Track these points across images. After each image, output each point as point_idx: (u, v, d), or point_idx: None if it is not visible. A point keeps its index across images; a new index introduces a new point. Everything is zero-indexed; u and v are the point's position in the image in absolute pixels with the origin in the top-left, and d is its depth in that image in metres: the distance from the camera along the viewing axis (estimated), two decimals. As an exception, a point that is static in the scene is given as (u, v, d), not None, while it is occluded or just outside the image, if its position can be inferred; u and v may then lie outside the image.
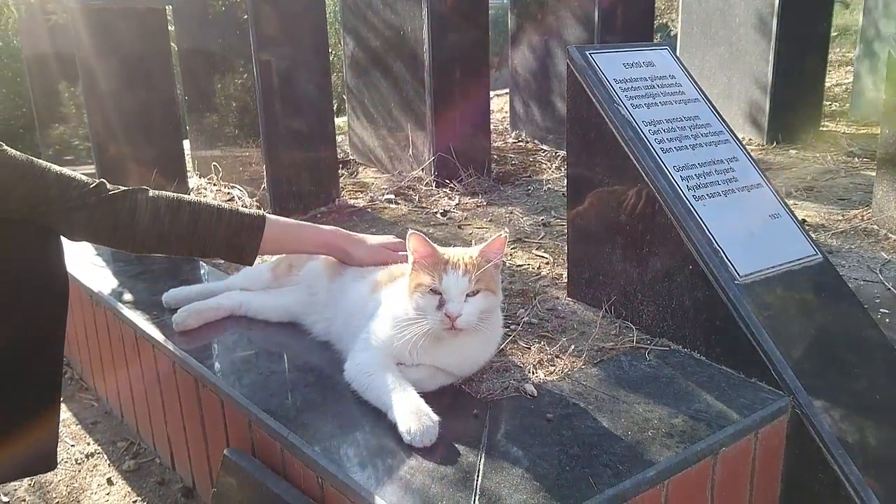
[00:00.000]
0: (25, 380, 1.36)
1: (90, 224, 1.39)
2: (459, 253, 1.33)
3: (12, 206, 1.31)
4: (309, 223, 1.66)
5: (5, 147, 1.33)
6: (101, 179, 1.42)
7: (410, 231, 1.31)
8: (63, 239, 1.42)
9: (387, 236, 1.68)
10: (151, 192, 1.45)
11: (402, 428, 1.21)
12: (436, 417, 1.22)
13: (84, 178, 1.41)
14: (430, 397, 1.28)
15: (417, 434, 1.19)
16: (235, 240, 1.48)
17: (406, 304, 1.32)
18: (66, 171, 1.39)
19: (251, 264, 1.55)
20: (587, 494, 1.08)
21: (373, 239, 1.65)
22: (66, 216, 1.36)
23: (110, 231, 1.41)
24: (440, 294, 1.27)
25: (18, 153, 1.34)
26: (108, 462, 1.93)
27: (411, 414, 1.21)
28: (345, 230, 1.64)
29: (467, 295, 1.28)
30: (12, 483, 1.78)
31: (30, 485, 1.82)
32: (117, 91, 2.52)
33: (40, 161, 1.36)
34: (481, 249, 1.32)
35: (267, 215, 1.53)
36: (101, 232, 1.41)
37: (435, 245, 1.32)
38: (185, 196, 1.49)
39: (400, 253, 1.57)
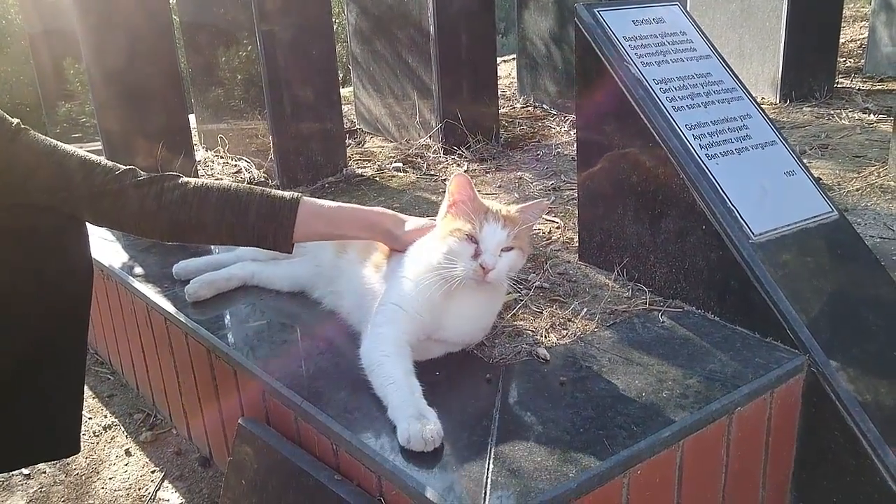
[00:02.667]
0: (51, 367, 1.36)
1: (113, 211, 1.32)
2: (500, 206, 1.31)
3: (32, 193, 1.27)
4: (352, 205, 1.50)
5: (31, 131, 1.29)
6: (131, 166, 1.35)
7: (457, 172, 1.28)
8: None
9: (430, 220, 1.46)
10: (182, 179, 1.35)
11: (399, 434, 1.11)
12: (438, 424, 1.11)
13: (110, 164, 1.34)
14: (441, 361, 1.27)
15: (416, 442, 1.09)
16: (266, 226, 1.36)
17: (437, 249, 1.28)
18: (91, 157, 1.33)
19: (287, 251, 1.41)
20: (602, 456, 1.08)
21: (420, 221, 1.45)
22: (89, 204, 1.31)
23: (135, 219, 1.34)
24: (476, 244, 1.25)
25: (43, 137, 1.30)
26: (125, 434, 1.95)
27: (410, 417, 1.11)
28: (392, 211, 1.48)
29: (502, 249, 1.26)
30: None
31: (50, 457, 1.85)
32: (120, 66, 2.49)
33: (64, 146, 1.31)
34: (522, 208, 1.31)
35: (303, 198, 1.39)
36: (124, 220, 1.35)
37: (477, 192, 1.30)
38: (217, 182, 1.39)
39: None
